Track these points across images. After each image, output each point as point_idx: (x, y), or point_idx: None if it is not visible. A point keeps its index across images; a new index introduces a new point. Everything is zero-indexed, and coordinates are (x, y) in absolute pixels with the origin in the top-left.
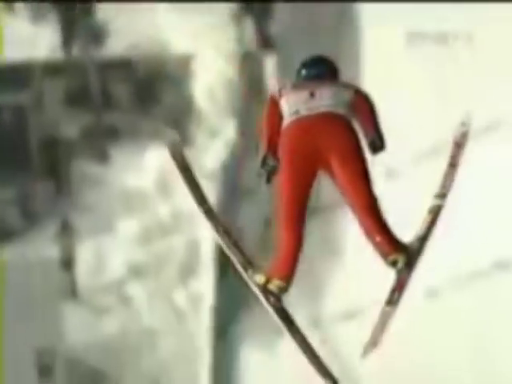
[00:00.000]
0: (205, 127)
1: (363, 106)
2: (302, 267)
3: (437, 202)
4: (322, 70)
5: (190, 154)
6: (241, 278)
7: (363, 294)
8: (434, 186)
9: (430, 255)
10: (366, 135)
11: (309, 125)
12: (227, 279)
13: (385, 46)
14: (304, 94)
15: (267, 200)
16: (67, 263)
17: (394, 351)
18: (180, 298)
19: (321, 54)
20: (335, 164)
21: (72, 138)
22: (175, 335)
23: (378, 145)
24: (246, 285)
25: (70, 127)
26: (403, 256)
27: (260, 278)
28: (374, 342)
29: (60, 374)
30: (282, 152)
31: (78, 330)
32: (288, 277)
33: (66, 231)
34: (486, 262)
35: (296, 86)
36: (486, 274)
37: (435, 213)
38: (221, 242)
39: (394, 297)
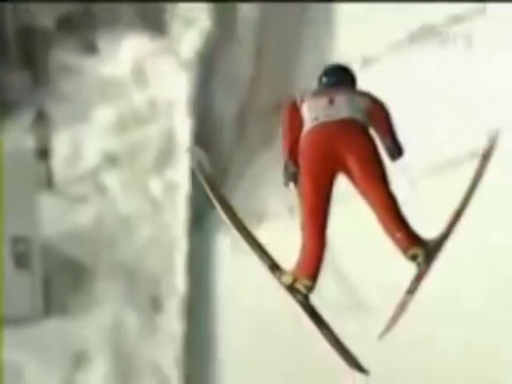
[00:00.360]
0: (180, 16)
1: (379, 113)
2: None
3: (461, 205)
4: (341, 77)
5: (166, 44)
6: None
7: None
8: None
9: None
10: (383, 142)
11: (327, 131)
12: None
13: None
14: (323, 101)
15: (243, 87)
16: (43, 153)
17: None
18: (155, 186)
19: (340, 63)
20: (354, 168)
21: (49, 28)
22: (151, 224)
23: (395, 152)
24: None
25: (47, 17)
26: (423, 250)
27: (287, 279)
28: (391, 325)
29: (36, 263)
30: (302, 158)
31: (54, 219)
32: (314, 276)
33: (42, 121)
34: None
35: (316, 93)
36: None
37: (458, 214)
38: (249, 247)
39: (413, 287)
